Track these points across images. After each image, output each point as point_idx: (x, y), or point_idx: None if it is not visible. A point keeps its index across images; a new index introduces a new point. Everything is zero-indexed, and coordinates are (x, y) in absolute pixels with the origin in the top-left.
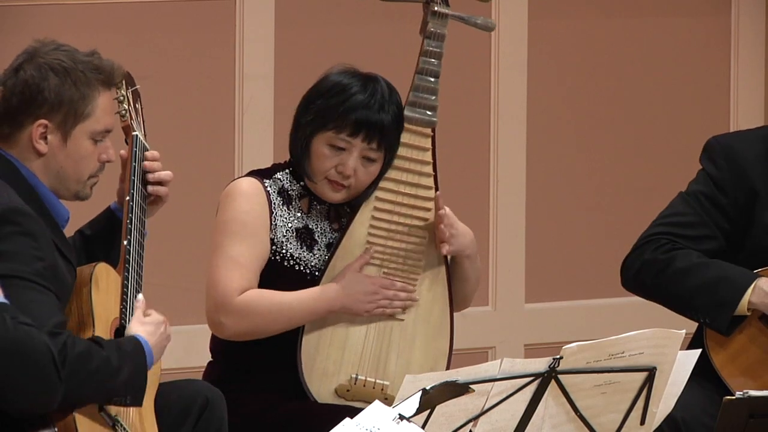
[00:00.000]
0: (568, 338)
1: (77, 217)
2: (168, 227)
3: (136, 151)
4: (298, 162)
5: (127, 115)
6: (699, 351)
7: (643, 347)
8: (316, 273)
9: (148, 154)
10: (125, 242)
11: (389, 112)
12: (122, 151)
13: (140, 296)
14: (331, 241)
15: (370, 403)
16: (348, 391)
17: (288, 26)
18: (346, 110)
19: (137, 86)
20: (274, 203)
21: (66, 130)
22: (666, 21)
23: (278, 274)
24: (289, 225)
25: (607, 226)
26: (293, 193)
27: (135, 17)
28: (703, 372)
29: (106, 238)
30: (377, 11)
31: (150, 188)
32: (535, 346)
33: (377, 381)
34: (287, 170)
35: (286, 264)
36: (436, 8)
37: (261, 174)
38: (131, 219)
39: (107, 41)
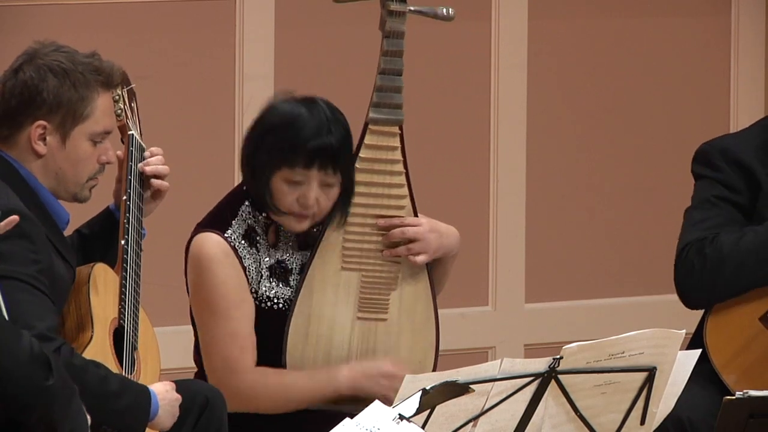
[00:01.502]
0: (568, 338)
1: (78, 217)
2: (168, 227)
3: (132, 151)
4: (260, 200)
5: (123, 114)
6: (699, 351)
7: (643, 347)
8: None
9: (150, 150)
10: (123, 242)
11: (335, 132)
12: (119, 152)
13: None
14: (304, 261)
15: (360, 405)
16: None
17: (288, 26)
18: (298, 143)
19: (133, 85)
20: (243, 256)
21: (65, 131)
22: (666, 21)
23: (259, 318)
24: (261, 266)
25: (607, 226)
26: (258, 228)
27: (135, 17)
28: (708, 372)
29: (103, 238)
30: (377, 11)
31: (153, 182)
32: (535, 346)
33: None
34: (246, 203)
35: (264, 306)
36: (392, 7)
37: (222, 221)
38: (128, 219)
39: (107, 41)
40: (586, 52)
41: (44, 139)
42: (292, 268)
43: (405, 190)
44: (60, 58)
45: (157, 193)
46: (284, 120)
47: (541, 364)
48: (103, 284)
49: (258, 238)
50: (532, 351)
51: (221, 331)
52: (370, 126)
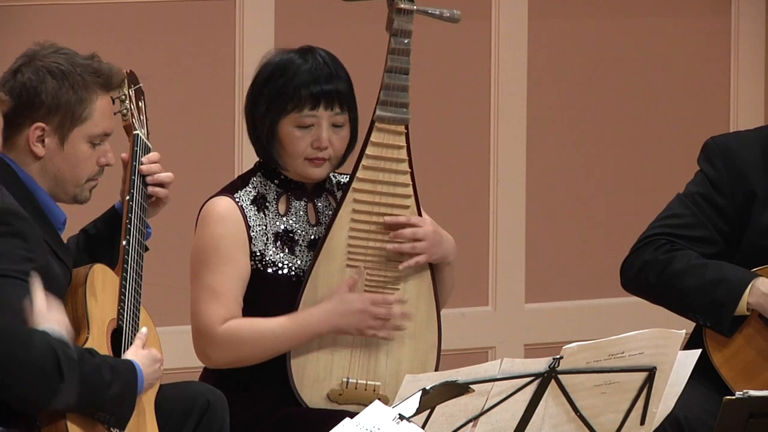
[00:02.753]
0: (568, 338)
1: (78, 218)
2: (168, 227)
3: (137, 151)
4: (268, 157)
5: (129, 114)
6: (699, 351)
7: (643, 347)
8: (301, 273)
9: (145, 158)
10: (124, 242)
11: (339, 75)
12: (123, 154)
13: (144, 329)
14: (313, 238)
15: (363, 405)
16: (340, 395)
17: (288, 26)
18: (298, 86)
19: (140, 84)
20: (249, 216)
21: (63, 133)
22: (666, 21)
23: (263, 282)
24: (268, 231)
25: (607, 226)
26: (269, 195)
27: (135, 17)
28: (706, 371)
29: (108, 238)
30: (377, 11)
31: (150, 189)
32: (535, 346)
33: (369, 382)
34: (259, 173)
35: (269, 270)
36: (400, 5)
37: (233, 187)
38: (131, 219)
39: (107, 41)
40: (586, 52)
41: (42, 141)
42: (298, 240)
43: (410, 190)
44: (59, 60)
45: (158, 201)
46: (280, 66)
47: (541, 364)
48: (101, 285)
49: (267, 204)
50: (532, 351)
51: (205, 284)
52: (376, 124)
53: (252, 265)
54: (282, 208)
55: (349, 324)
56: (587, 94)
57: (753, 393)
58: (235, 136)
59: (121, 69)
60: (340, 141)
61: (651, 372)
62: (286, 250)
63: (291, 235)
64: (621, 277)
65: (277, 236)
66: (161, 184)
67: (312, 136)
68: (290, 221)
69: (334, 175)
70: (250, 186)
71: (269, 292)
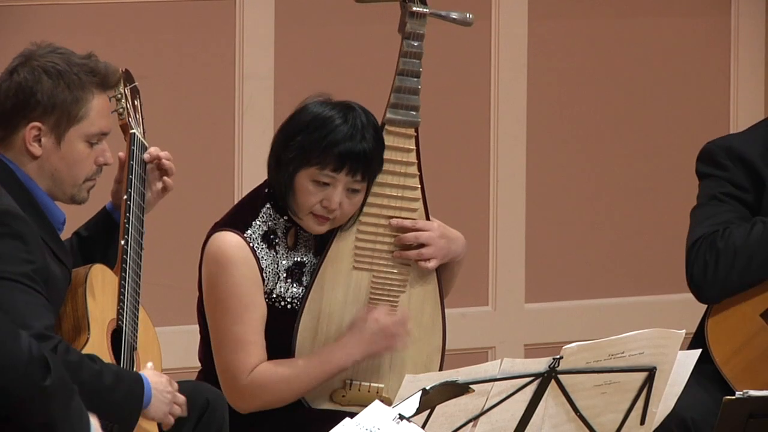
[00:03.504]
0: (568, 338)
1: (78, 219)
2: (168, 227)
3: (134, 150)
4: (281, 197)
5: (125, 113)
6: (699, 351)
7: (643, 347)
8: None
9: (152, 149)
10: (122, 242)
11: (369, 139)
12: (120, 153)
13: (150, 365)
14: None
15: (366, 407)
16: (344, 396)
17: (288, 26)
18: (329, 144)
19: (136, 83)
20: (261, 257)
21: (59, 132)
22: (666, 21)
23: (272, 317)
24: (279, 268)
25: (607, 226)
26: (278, 230)
27: (135, 17)
28: (710, 372)
29: (102, 239)
30: (377, 12)
31: (164, 180)
32: (535, 346)
33: (372, 384)
34: (268, 204)
35: (278, 306)
36: (414, 8)
37: (242, 221)
38: (129, 218)
39: (107, 41)
40: (586, 53)
41: (39, 141)
42: (306, 270)
43: (418, 193)
44: (55, 59)
45: (163, 191)
46: (317, 119)
47: (541, 364)
48: (100, 285)
49: (277, 240)
50: (532, 351)
51: (229, 334)
52: (387, 126)
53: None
54: (290, 241)
55: (377, 348)
56: (587, 94)
57: (753, 393)
58: (235, 136)
59: (117, 68)
60: (351, 206)
61: (651, 372)
62: (295, 284)
63: (301, 267)
64: (696, 291)
65: (288, 271)
66: (166, 173)
67: (324, 195)
68: (300, 253)
69: None
70: (259, 220)
71: (278, 326)
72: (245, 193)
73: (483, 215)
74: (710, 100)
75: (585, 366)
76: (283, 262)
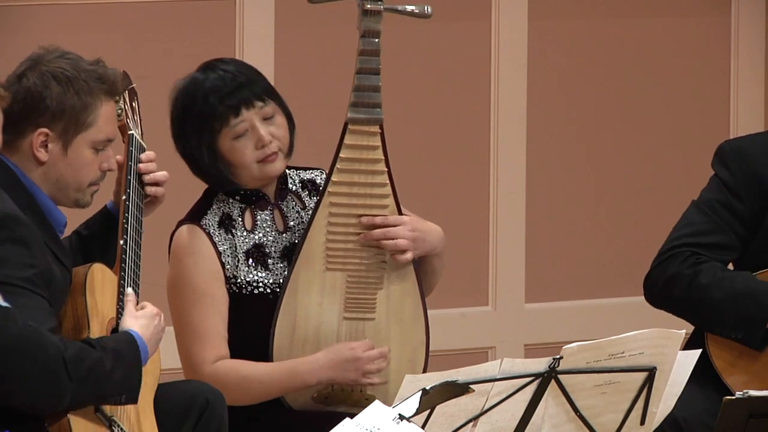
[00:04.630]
0: (568, 338)
1: (78, 219)
2: (167, 227)
3: (132, 151)
4: (221, 181)
5: (123, 114)
6: (699, 351)
7: (643, 347)
8: (277, 290)
9: (143, 156)
10: (121, 242)
11: (247, 76)
12: (119, 156)
13: (129, 290)
14: (285, 245)
15: (351, 406)
16: (327, 397)
17: (288, 26)
18: (213, 104)
19: (134, 84)
20: (218, 241)
21: (67, 139)
22: (666, 21)
23: (241, 304)
24: (238, 252)
25: (607, 226)
26: (234, 213)
27: (135, 17)
28: (704, 372)
29: (102, 238)
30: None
31: (146, 189)
32: (535, 346)
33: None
34: (219, 192)
35: (245, 292)
36: (367, 6)
37: (199, 211)
38: (128, 218)
39: (107, 41)
40: (586, 52)
41: (46, 146)
42: (270, 252)
43: (388, 189)
44: (64, 65)
45: (154, 199)
46: (188, 93)
47: (541, 364)
48: (100, 284)
49: (234, 223)
50: (532, 351)
51: (186, 324)
52: (349, 126)
53: (228, 290)
54: (249, 224)
55: (344, 375)
56: (587, 94)
57: (753, 393)
58: None
59: (123, 74)
60: (279, 129)
61: (651, 372)
62: (260, 267)
63: (262, 249)
64: (646, 292)
65: (248, 254)
66: (157, 183)
67: (252, 139)
68: (259, 235)
69: (297, 173)
70: (214, 206)
71: (249, 314)
72: None
73: (483, 215)
74: (710, 100)
75: (585, 366)
76: (242, 245)
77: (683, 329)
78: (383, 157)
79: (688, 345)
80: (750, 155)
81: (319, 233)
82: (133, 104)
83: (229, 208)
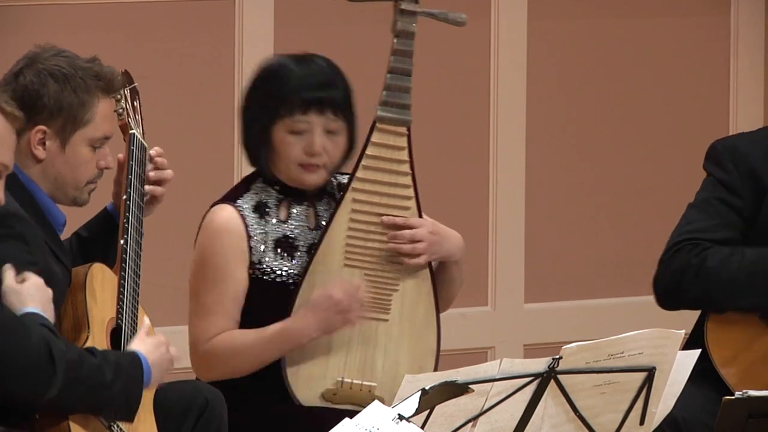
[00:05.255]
0: (568, 338)
1: (78, 220)
2: (167, 227)
3: (133, 150)
4: (260, 163)
5: (125, 113)
6: (699, 351)
7: (643, 347)
8: (297, 280)
9: (152, 151)
10: (122, 242)
11: (335, 83)
12: (119, 155)
13: (147, 320)
14: (312, 242)
15: (357, 405)
16: (335, 395)
17: (288, 26)
18: (289, 91)
19: (135, 84)
20: (251, 224)
21: (65, 136)
22: (666, 21)
23: (261, 289)
24: (268, 238)
25: (607, 226)
26: (270, 201)
27: (135, 17)
28: (704, 371)
29: (102, 240)
30: (377, 12)
31: (147, 187)
32: (535, 346)
33: (364, 383)
34: (260, 178)
35: (267, 278)
36: (403, 6)
37: (235, 193)
38: (128, 218)
39: (107, 41)
40: (585, 52)
41: (44, 144)
42: (298, 245)
43: (411, 191)
44: (61, 63)
45: (154, 199)
46: (273, 71)
47: (540, 365)
48: (100, 284)
49: (269, 210)
50: (531, 351)
51: (200, 301)
52: (378, 124)
53: (251, 274)
54: (283, 214)
55: (332, 325)
56: (587, 94)
57: (753, 393)
58: (234, 136)
59: (119, 71)
60: (335, 147)
61: (650, 372)
62: (285, 256)
63: (291, 241)
64: (656, 291)
65: (277, 243)
66: (159, 183)
67: (304, 142)
68: (291, 227)
69: (334, 177)
70: (251, 192)
71: (267, 300)
72: None
73: (483, 215)
74: (710, 100)
75: (584, 366)
76: (273, 233)
77: (683, 329)
78: (408, 159)
79: (688, 345)
80: (743, 152)
81: (340, 229)
82: (135, 103)
83: (266, 196)
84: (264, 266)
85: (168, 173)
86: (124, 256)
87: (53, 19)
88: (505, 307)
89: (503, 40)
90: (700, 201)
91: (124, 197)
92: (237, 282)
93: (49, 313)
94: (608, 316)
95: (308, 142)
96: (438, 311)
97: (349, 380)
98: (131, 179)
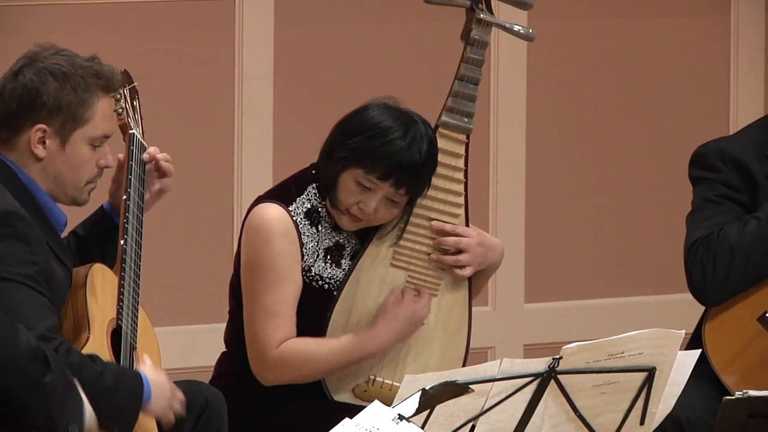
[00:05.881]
0: (568, 338)
1: (74, 218)
2: (167, 227)
3: (133, 150)
4: (324, 187)
5: (124, 113)
6: (699, 351)
7: (643, 347)
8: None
9: (152, 149)
10: (122, 242)
11: (423, 155)
12: (120, 155)
13: (148, 360)
14: (359, 249)
15: (388, 402)
16: (365, 391)
17: (288, 26)
18: (384, 155)
19: (135, 83)
20: (303, 232)
21: (64, 135)
22: (666, 21)
23: (308, 295)
24: (319, 246)
25: (607, 225)
26: (321, 210)
27: (135, 17)
28: (706, 372)
29: (99, 238)
30: (377, 12)
31: (158, 183)
32: (535, 347)
33: (394, 383)
34: (313, 185)
35: (314, 285)
36: (481, 15)
37: (287, 195)
38: (128, 218)
39: (107, 41)
40: (586, 52)
41: (44, 143)
42: (346, 253)
43: (462, 199)
44: (60, 61)
45: (160, 192)
46: (380, 127)
47: (540, 365)
48: (100, 285)
49: (320, 218)
50: (531, 351)
51: (261, 304)
52: (440, 129)
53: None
54: (333, 221)
55: (406, 333)
56: (587, 94)
57: (753, 393)
58: (234, 136)
59: (119, 70)
60: (387, 215)
61: (650, 372)
62: (334, 265)
63: (342, 249)
64: (698, 294)
65: (327, 251)
66: (165, 174)
67: (363, 198)
68: (343, 235)
69: None
70: (304, 197)
71: (313, 306)
72: (245, 192)
73: (483, 215)
74: (710, 100)
75: (584, 366)
76: (325, 241)
77: (683, 329)
78: (464, 167)
79: (688, 345)
80: (728, 150)
81: (393, 228)
82: (134, 103)
83: (318, 203)
84: (313, 273)
85: (169, 165)
86: (124, 256)
87: (53, 19)
88: (505, 307)
89: (503, 40)
90: (702, 203)
91: (124, 197)
92: (296, 284)
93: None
94: (608, 316)
95: (365, 201)
96: (470, 319)
97: (381, 378)
98: (131, 179)
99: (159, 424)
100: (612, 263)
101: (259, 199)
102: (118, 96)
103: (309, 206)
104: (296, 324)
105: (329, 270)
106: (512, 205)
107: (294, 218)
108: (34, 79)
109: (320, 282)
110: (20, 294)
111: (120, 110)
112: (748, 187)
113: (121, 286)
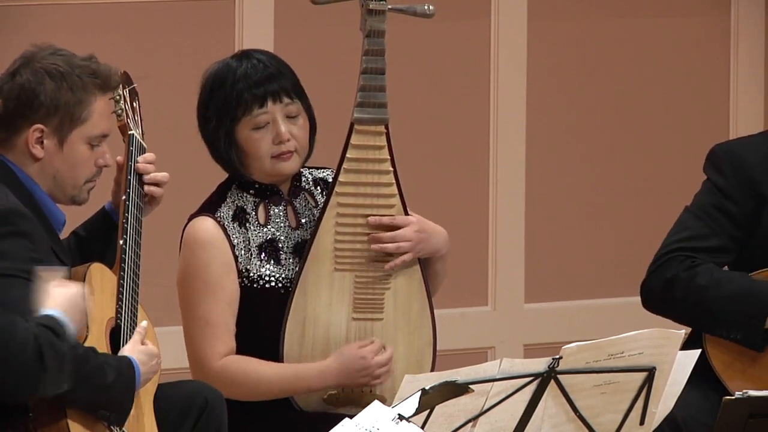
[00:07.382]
0: (568, 338)
1: (78, 219)
2: (167, 227)
3: (132, 151)
4: (235, 169)
5: (123, 114)
6: (699, 351)
7: (643, 347)
8: (288, 284)
9: (140, 158)
10: (121, 242)
11: (280, 71)
12: (119, 157)
13: (144, 323)
14: (297, 242)
15: (360, 407)
16: (338, 398)
17: (288, 26)
18: (241, 90)
19: (134, 85)
20: (232, 234)
21: (62, 134)
22: (666, 21)
23: (252, 298)
24: (251, 245)
25: (607, 226)
26: (247, 207)
27: (135, 17)
28: (704, 372)
29: (101, 239)
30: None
31: (146, 188)
32: (535, 346)
33: (364, 387)
34: (234, 185)
35: (256, 286)
36: (371, 6)
37: (212, 205)
38: (128, 218)
39: (107, 41)
40: (585, 52)
41: (41, 143)
42: (282, 247)
43: (394, 189)
44: (57, 61)
45: (152, 200)
46: (218, 77)
47: (540, 364)
48: (99, 284)
49: (248, 217)
50: (531, 351)
51: (196, 315)
52: (355, 126)
53: (240, 283)
54: (262, 218)
55: (353, 382)
56: (587, 94)
57: (753, 393)
58: None
59: (117, 70)
60: (300, 130)
61: (650, 372)
62: (272, 261)
63: (275, 243)
64: (643, 297)
65: (260, 248)
66: (157, 184)
67: (271, 133)
68: (272, 229)
69: (310, 172)
70: (228, 200)
71: (259, 307)
72: None
73: (482, 215)
74: (710, 100)
75: (584, 366)
76: (255, 238)
77: (683, 329)
78: (389, 157)
79: (688, 345)
80: (742, 158)
81: (328, 234)
82: (134, 104)
83: (243, 202)
84: (252, 274)
85: (161, 175)
86: (123, 256)
87: (53, 19)
88: (505, 307)
89: (503, 40)
90: (697, 206)
91: (124, 197)
92: (228, 292)
93: (75, 321)
94: (608, 316)
95: (275, 132)
96: (431, 303)
97: None
98: (130, 180)
99: (159, 424)
100: (612, 263)
101: (190, 217)
102: (118, 97)
103: (234, 208)
104: (249, 329)
105: (269, 267)
106: (512, 205)
107: (221, 223)
108: (31, 79)
109: (262, 282)
110: (23, 289)
111: (119, 111)
112: (752, 198)
113: (120, 285)
